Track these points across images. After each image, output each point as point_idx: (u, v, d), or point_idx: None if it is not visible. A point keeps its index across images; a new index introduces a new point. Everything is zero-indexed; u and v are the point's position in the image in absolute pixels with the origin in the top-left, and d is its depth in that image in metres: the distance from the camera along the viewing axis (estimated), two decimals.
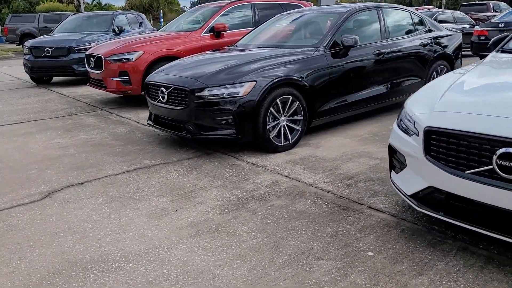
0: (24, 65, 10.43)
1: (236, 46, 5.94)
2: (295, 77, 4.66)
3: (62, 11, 32.12)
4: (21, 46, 22.41)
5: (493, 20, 12.19)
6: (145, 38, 7.56)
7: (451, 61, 6.48)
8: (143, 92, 7.10)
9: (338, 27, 5.20)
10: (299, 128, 4.81)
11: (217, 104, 4.40)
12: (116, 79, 7.06)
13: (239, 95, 4.37)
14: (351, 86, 5.27)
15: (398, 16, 6.04)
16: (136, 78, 7.02)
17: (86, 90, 9.55)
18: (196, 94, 4.44)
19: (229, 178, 4.05)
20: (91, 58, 7.50)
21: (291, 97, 4.66)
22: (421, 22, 6.30)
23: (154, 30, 12.91)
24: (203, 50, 7.40)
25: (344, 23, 5.28)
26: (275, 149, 4.64)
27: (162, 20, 29.79)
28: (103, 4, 61.18)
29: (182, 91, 4.58)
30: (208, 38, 7.60)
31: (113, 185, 4.00)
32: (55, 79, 11.24)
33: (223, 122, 4.43)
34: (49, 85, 10.71)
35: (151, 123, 5.20)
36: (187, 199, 3.61)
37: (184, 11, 41.70)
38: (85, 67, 9.42)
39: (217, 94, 4.39)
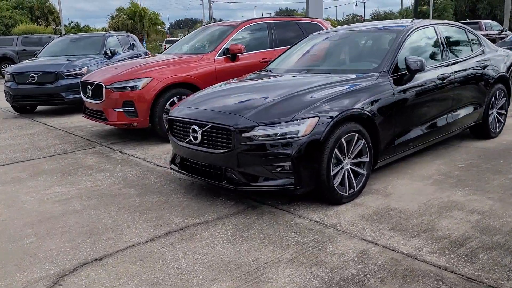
0: (5, 93, 9.30)
1: (270, 71, 5.01)
2: (363, 110, 3.73)
3: (39, 33, 30.84)
4: None
5: (507, 39, 11.72)
6: (150, 62, 6.56)
7: (508, 83, 5.66)
8: (164, 128, 6.09)
9: (398, 47, 4.31)
10: (364, 171, 3.87)
11: (271, 147, 3.43)
12: (119, 110, 6.04)
13: (299, 135, 3.42)
14: (417, 118, 4.39)
15: (455, 34, 5.21)
16: (143, 108, 6.01)
17: (77, 121, 8.47)
18: (244, 135, 3.47)
19: (297, 246, 3.06)
20: (88, 86, 6.46)
21: (356, 135, 3.72)
22: (477, 41, 5.48)
23: (147, 53, 11.94)
24: (217, 75, 6.47)
25: (404, 42, 4.38)
26: (339, 200, 3.68)
27: (145, 42, 28.81)
28: (81, 26, 60.04)
29: (223, 131, 3.60)
30: (222, 62, 6.67)
31: (144, 261, 2.96)
32: (39, 108, 10.13)
33: (278, 169, 3.46)
34: (33, 115, 9.58)
35: (176, 168, 4.19)
36: (255, 285, 2.60)
37: (165, 32, 40.91)
38: (75, 94, 8.44)
39: (271, 135, 3.43)
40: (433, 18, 45.84)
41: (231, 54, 6.71)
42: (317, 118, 3.48)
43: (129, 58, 10.85)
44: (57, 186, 4.67)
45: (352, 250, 2.97)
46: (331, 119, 3.51)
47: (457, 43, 5.18)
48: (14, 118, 9.29)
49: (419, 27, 4.71)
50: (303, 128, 3.43)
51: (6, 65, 20.24)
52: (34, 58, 10.24)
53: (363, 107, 3.77)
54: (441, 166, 4.66)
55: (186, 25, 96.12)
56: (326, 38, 5.23)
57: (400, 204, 3.71)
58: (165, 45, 34.72)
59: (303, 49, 5.24)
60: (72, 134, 7.33)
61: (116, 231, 3.48)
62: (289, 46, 5.65)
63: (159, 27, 30.80)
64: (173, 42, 38.68)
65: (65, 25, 58.69)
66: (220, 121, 3.65)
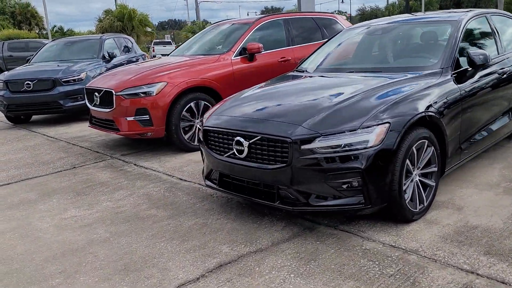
0: None
1: (306, 71, 4.49)
2: (433, 113, 3.24)
3: (24, 38, 29.94)
4: None
5: None
6: (162, 65, 6.02)
7: None
8: (181, 136, 5.54)
9: (457, 40, 3.83)
10: (433, 183, 3.39)
11: (335, 161, 2.92)
12: (132, 118, 5.48)
13: (368, 145, 2.91)
14: (480, 119, 3.91)
15: (506, 24, 4.74)
16: (158, 116, 5.46)
17: (78, 130, 7.89)
18: (303, 147, 2.96)
19: (383, 280, 2.57)
20: (96, 94, 5.89)
21: (426, 142, 3.24)
22: None
23: (144, 55, 11.37)
24: (235, 76, 5.96)
25: (461, 35, 3.91)
26: (411, 218, 3.20)
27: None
28: (65, 30, 58.92)
29: (277, 143, 3.08)
30: (239, 62, 6.15)
31: None
32: (34, 117, 9.48)
33: (344, 186, 2.96)
34: (29, 125, 8.96)
35: (213, 185, 3.66)
36: None
37: (154, 34, 39.98)
38: (74, 102, 7.87)
39: (336, 146, 2.91)
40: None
41: (248, 54, 6.19)
42: (387, 124, 2.98)
43: (128, 61, 10.27)
44: (74, 208, 4.11)
45: (453, 284, 2.46)
46: (403, 125, 3.01)
47: (508, 33, 4.72)
48: (9, 129, 8.65)
49: (474, 17, 4.23)
50: (372, 136, 2.93)
51: None
52: (27, 64, 9.59)
53: (432, 110, 3.27)
54: (503, 171, 4.20)
55: (171, 27, 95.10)
56: (366, 33, 4.73)
57: (480, 220, 3.23)
58: (153, 47, 34.02)
59: (340, 46, 4.75)
60: (76, 146, 6.74)
61: (157, 265, 2.94)
62: (319, 42, 5.15)
63: (149, 28, 30.11)
64: (161, 44, 37.92)
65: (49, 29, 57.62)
66: (272, 131, 3.13)
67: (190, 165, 5.24)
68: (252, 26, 6.50)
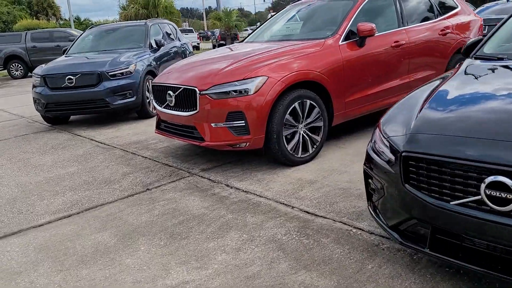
0: (35, 101, 7.41)
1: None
2: None
3: (44, 28, 28.74)
4: (5, 71, 19.22)
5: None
6: (251, 54, 4.64)
7: None
8: (284, 147, 4.21)
9: None
10: None
11: None
12: (222, 125, 4.15)
13: None
14: None
15: None
16: (257, 121, 4.14)
17: (130, 133, 6.64)
18: None
19: None
20: (169, 92, 4.55)
21: None
22: None
23: (186, 44, 10.00)
24: (344, 67, 4.57)
25: None
26: None
27: None
28: (82, 20, 57.88)
29: None
30: (347, 48, 4.76)
31: None
32: (72, 117, 8.24)
33: None
34: (69, 126, 7.71)
35: (411, 243, 2.29)
36: None
37: (180, 22, 38.25)
38: (123, 99, 6.58)
39: None
40: None
41: (359, 38, 4.79)
42: None
43: (176, 51, 8.95)
44: (177, 266, 2.81)
45: None
46: None
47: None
48: (47, 131, 7.41)
49: None
50: None
51: (15, 65, 18.34)
52: (64, 56, 8.30)
53: None
54: None
55: (184, 15, 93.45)
56: None
57: None
58: None
59: None
60: (137, 155, 5.45)
61: None
62: (435, 23, 3.76)
63: (174, 16, 28.66)
64: (183, 32, 36.39)
65: (65, 19, 56.79)
66: None
67: (305, 187, 3.91)
68: (358, 2, 5.08)
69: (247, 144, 4.26)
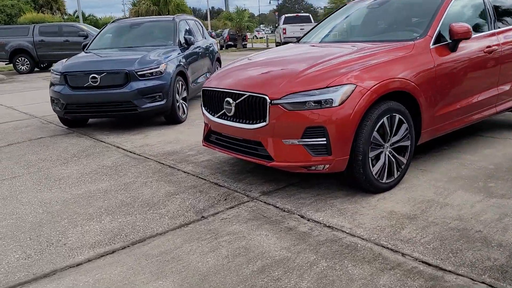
0: (53, 101, 6.63)
1: None
2: None
3: (50, 22, 27.90)
4: (11, 65, 18.42)
5: None
6: (328, 56, 3.87)
7: None
8: (369, 171, 3.44)
9: None
10: None
11: None
12: (297, 142, 3.37)
13: None
14: None
15: None
16: (342, 139, 3.38)
17: (161, 141, 5.94)
18: None
19: None
20: (228, 100, 3.77)
21: None
22: None
23: (213, 43, 9.23)
24: (437, 74, 3.80)
25: None
26: None
27: None
28: (86, 15, 57.11)
29: None
30: (439, 53, 3.99)
31: None
32: (91, 119, 7.44)
33: None
34: (88, 129, 6.94)
35: None
36: None
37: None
38: (153, 102, 5.86)
39: None
40: None
41: (452, 41, 4.01)
42: None
43: (205, 49, 8.18)
44: None
45: None
46: None
47: None
48: (65, 135, 6.63)
49: None
50: None
51: (21, 59, 17.53)
52: (85, 52, 7.51)
53: None
54: None
55: (195, 15, 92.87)
56: None
57: None
58: None
59: None
60: (177, 170, 4.68)
61: None
62: None
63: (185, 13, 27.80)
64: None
65: (69, 14, 56.07)
66: None
67: (405, 225, 3.16)
68: (446, 1, 4.31)
69: (327, 167, 3.48)
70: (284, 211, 3.53)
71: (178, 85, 6.85)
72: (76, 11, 60.90)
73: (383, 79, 3.54)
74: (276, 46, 28.56)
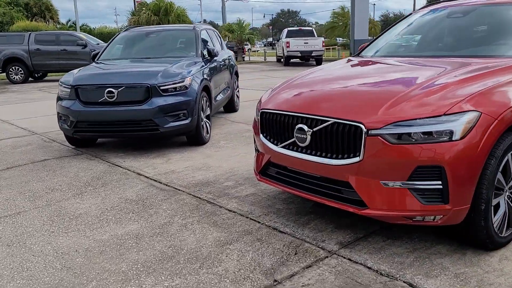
0: (60, 118, 5.76)
1: None
2: None
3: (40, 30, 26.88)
4: (4, 74, 17.41)
5: None
6: (435, 76, 3.05)
7: None
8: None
9: None
10: None
11: None
12: (402, 185, 2.55)
13: None
14: None
15: None
16: (464, 182, 2.60)
17: (187, 167, 5.18)
18: None
19: None
20: (302, 126, 2.94)
21: None
22: None
23: (232, 55, 8.45)
24: None
25: None
26: None
27: None
28: (80, 25, 56.19)
29: None
30: None
31: None
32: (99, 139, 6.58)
33: None
34: (97, 149, 6.11)
35: None
36: None
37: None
38: (176, 121, 5.06)
39: None
40: None
41: None
42: None
43: (223, 61, 7.39)
44: None
45: None
46: None
47: None
48: (73, 156, 5.75)
49: None
50: None
51: (15, 68, 16.56)
52: (96, 62, 6.65)
53: None
54: None
55: None
56: None
57: None
58: None
59: None
60: (218, 207, 3.84)
61: None
62: None
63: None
64: None
65: (62, 24, 55.18)
66: None
67: None
68: None
69: (439, 218, 2.67)
70: (382, 274, 2.69)
71: (202, 101, 6.01)
72: (69, 20, 60.00)
73: (509, 104, 2.73)
74: (277, 60, 27.93)
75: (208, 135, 6.32)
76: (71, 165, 5.38)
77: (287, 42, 22.88)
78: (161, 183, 4.63)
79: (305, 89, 3.45)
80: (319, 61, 23.89)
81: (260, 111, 3.44)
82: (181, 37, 7.11)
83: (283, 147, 3.22)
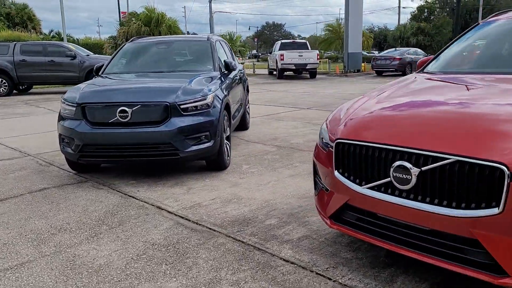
0: (63, 140, 5.00)
1: None
2: None
3: (25, 41, 25.91)
4: None
5: None
6: None
7: None
8: None
9: None
10: None
11: None
12: None
13: None
14: None
15: None
16: None
17: (217, 199, 4.53)
18: None
19: None
20: (405, 164, 2.27)
21: None
22: None
23: (242, 69, 7.79)
24: None
25: None
26: None
27: None
28: (66, 34, 54.97)
29: None
30: None
31: None
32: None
33: None
34: (103, 175, 5.38)
35: None
36: None
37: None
38: (198, 144, 4.39)
39: None
40: (433, 35, 42.70)
41: None
42: None
43: (239, 76, 6.71)
44: None
45: None
46: None
47: None
48: (77, 184, 4.98)
49: None
50: None
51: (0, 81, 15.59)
52: (101, 76, 5.89)
53: None
54: None
55: None
56: None
57: None
58: None
59: None
60: (270, 255, 3.16)
61: None
62: None
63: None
64: None
65: (45, 34, 54.00)
66: None
67: None
68: None
69: None
70: None
71: (224, 121, 5.31)
72: (51, 30, 58.78)
73: None
74: (269, 73, 27.21)
75: (228, 158, 5.61)
76: (76, 196, 4.60)
77: (281, 55, 22.31)
78: (189, 220, 3.90)
79: (395, 112, 2.77)
80: (313, 74, 23.39)
81: (336, 141, 2.74)
82: (195, 49, 6.42)
83: (370, 188, 2.52)
